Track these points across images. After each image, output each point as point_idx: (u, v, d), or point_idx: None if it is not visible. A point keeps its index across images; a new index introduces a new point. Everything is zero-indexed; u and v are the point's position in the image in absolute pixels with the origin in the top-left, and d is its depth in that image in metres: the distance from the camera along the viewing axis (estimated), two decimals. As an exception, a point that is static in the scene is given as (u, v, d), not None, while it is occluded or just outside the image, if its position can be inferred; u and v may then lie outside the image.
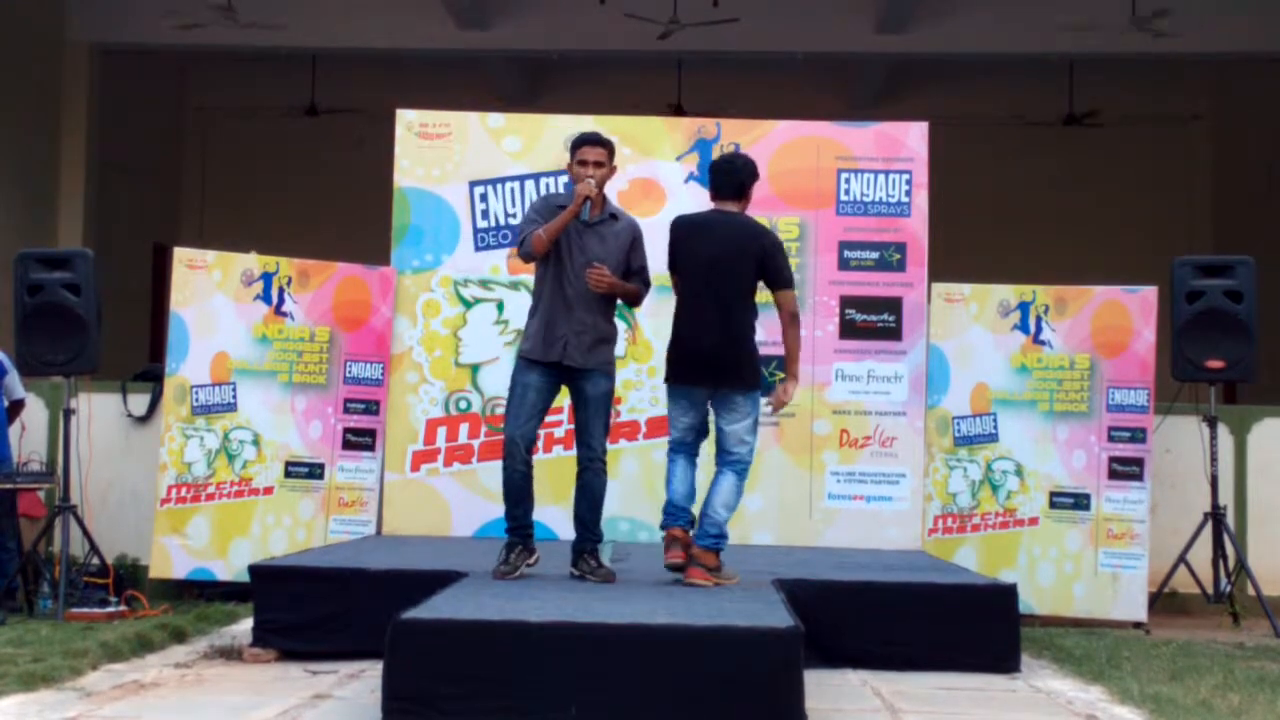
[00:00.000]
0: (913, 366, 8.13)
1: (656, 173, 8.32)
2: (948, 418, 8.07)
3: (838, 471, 8.08)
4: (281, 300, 8.09)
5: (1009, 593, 6.24)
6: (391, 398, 8.17)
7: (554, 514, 7.45)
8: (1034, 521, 7.96)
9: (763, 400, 6.32)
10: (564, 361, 6.14)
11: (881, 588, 6.30)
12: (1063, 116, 16.44)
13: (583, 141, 6.29)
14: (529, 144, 8.34)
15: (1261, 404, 9.05)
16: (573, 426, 6.44)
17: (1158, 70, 16.07)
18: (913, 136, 8.33)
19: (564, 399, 6.39)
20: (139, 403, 8.71)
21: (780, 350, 7.95)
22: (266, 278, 8.08)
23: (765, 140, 8.32)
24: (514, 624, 4.82)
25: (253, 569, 6.34)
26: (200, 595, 7.90)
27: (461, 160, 8.33)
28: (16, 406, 8.23)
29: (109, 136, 14.86)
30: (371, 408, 8.17)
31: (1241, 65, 15.75)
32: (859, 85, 16.62)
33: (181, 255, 8.08)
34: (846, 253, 8.22)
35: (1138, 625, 7.71)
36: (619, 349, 8.04)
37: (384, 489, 8.12)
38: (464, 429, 8.13)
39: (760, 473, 7.50)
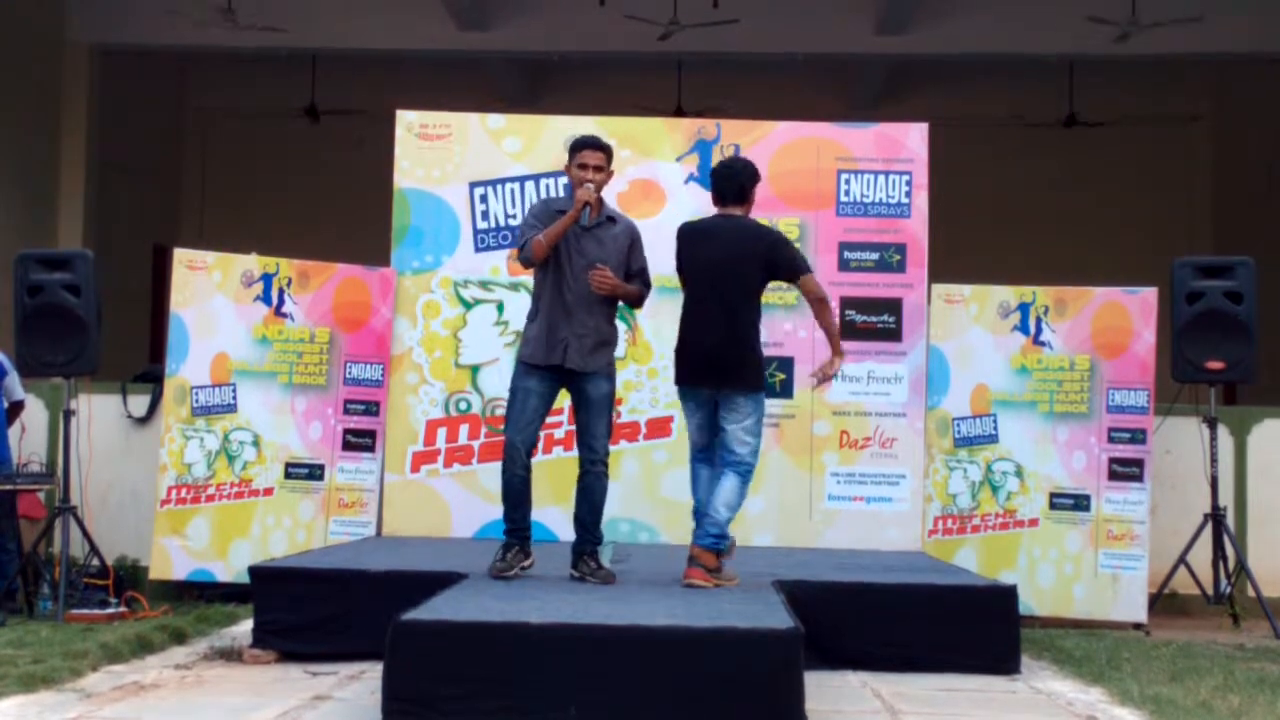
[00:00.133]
0: (913, 367, 8.13)
1: (656, 174, 8.33)
2: (948, 419, 8.07)
3: (838, 473, 8.08)
4: (281, 301, 8.09)
5: (1009, 594, 6.24)
6: (391, 399, 8.17)
7: (554, 515, 7.46)
8: (1034, 523, 7.96)
9: (809, 374, 6.31)
10: (566, 365, 6.15)
11: (881, 589, 6.30)
12: (1063, 117, 16.44)
13: (583, 145, 6.29)
14: (529, 145, 8.34)
15: (1261, 405, 9.05)
16: (573, 428, 6.46)
17: (1157, 71, 16.08)
18: (913, 137, 8.33)
19: (564, 400, 6.40)
20: (139, 404, 8.71)
21: (780, 351, 8.06)
22: (266, 279, 8.08)
23: (765, 141, 8.32)
24: (514, 625, 4.82)
25: (253, 570, 6.34)
26: (200, 596, 7.90)
27: (461, 161, 8.33)
28: (16, 408, 8.23)
29: (109, 136, 14.87)
30: (371, 409, 8.17)
31: (1241, 66, 15.75)
32: (859, 86, 16.62)
33: (181, 256, 8.08)
34: (846, 254, 8.22)
35: (1138, 626, 7.71)
36: (619, 350, 8.07)
37: (384, 490, 8.12)
38: (464, 430, 8.13)
39: (760, 474, 7.47)
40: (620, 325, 8.05)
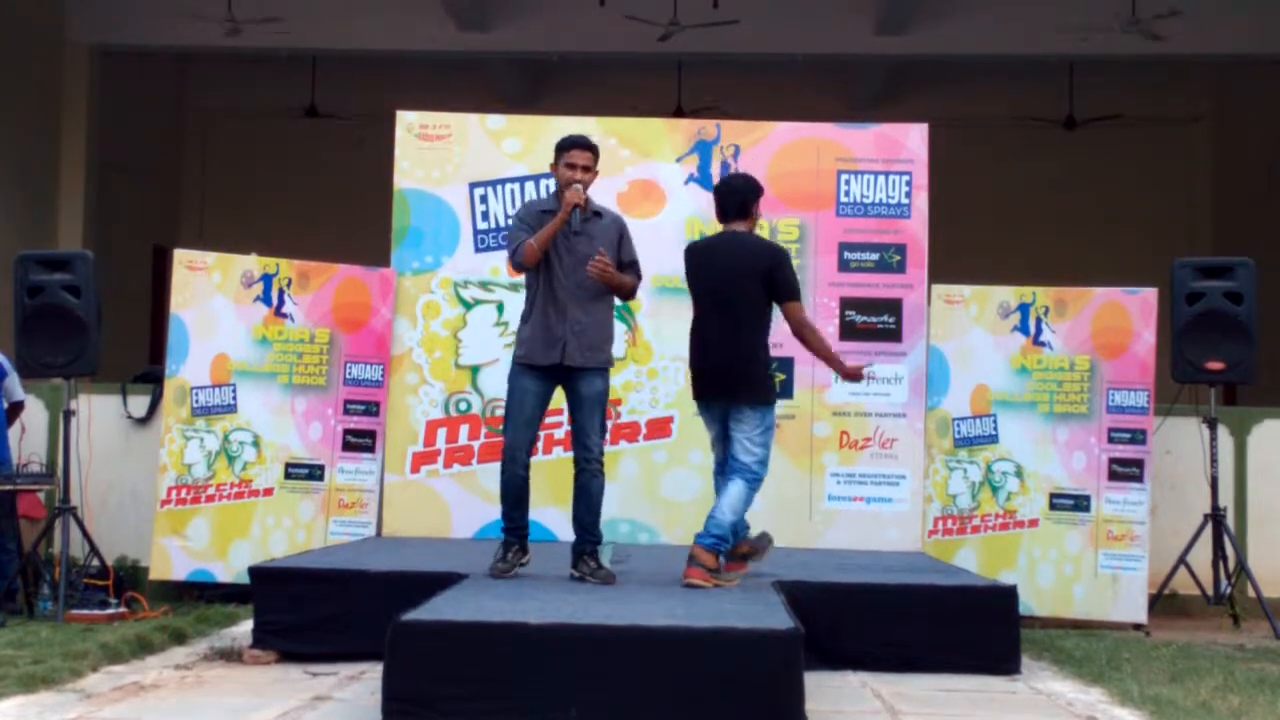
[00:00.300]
0: (913, 368, 8.13)
1: (656, 174, 8.33)
2: (948, 419, 8.07)
3: (838, 473, 8.08)
4: (281, 302, 8.09)
5: (1009, 594, 6.24)
6: (391, 399, 8.17)
7: (554, 515, 7.46)
8: (1034, 523, 7.96)
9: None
10: (565, 362, 6.16)
11: (881, 589, 6.30)
12: (1063, 118, 16.44)
13: (571, 144, 6.31)
14: (529, 145, 8.34)
15: (1261, 405, 9.05)
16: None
17: (1158, 72, 16.08)
18: (913, 138, 8.33)
19: (562, 399, 6.40)
20: (139, 404, 8.71)
21: (780, 352, 8.04)
22: (266, 279, 8.08)
23: (765, 142, 8.32)
24: (514, 626, 4.82)
25: (253, 570, 6.34)
26: (200, 597, 7.90)
27: (461, 162, 8.33)
28: (16, 408, 8.23)
29: (109, 137, 14.87)
30: (371, 409, 8.17)
31: (1242, 67, 15.76)
32: (859, 87, 16.62)
33: (181, 257, 8.08)
34: (846, 254, 8.22)
35: (1138, 627, 7.71)
36: (619, 350, 8.09)
37: (384, 490, 8.12)
38: (464, 430, 8.13)
39: (760, 474, 7.50)
40: (620, 325, 8.10)
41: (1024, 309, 8.11)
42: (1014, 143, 16.96)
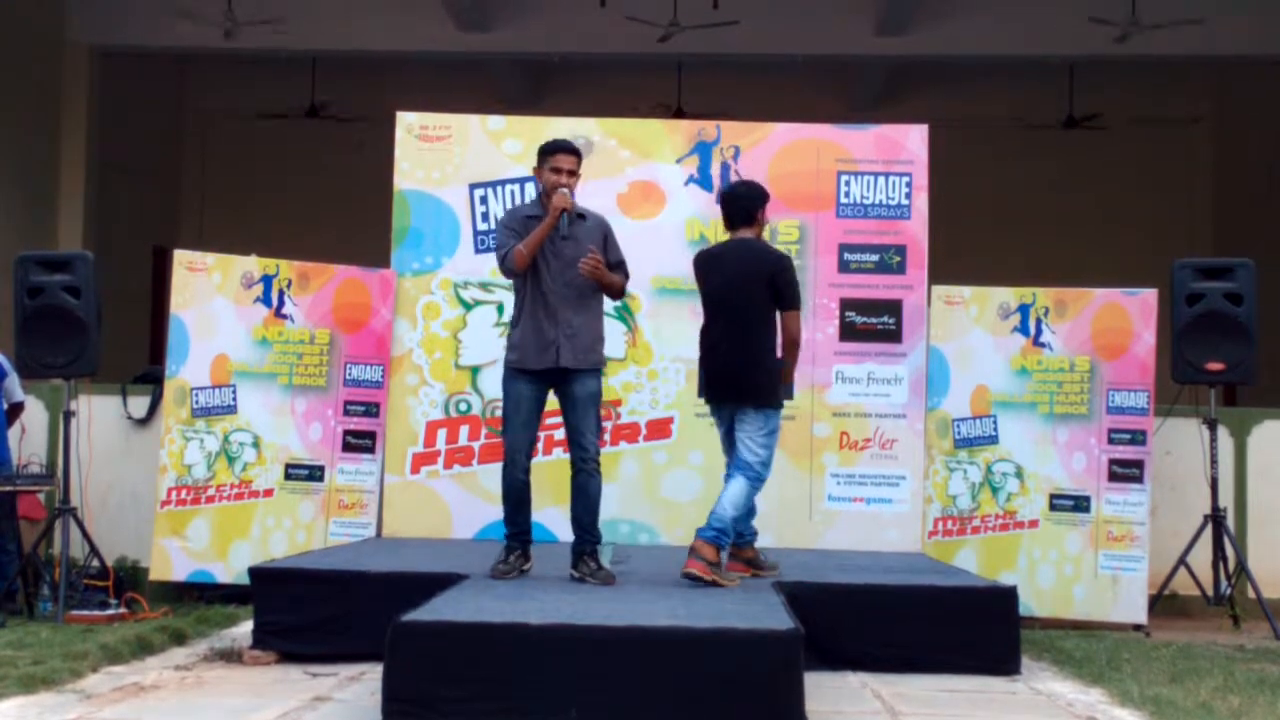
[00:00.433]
0: (913, 369, 8.13)
1: (656, 175, 8.32)
2: (948, 420, 8.07)
3: (838, 474, 8.08)
4: (281, 302, 8.09)
5: (1009, 595, 6.24)
6: (391, 400, 8.17)
7: (554, 515, 7.45)
8: (1034, 524, 7.96)
9: None
10: (560, 364, 6.18)
11: (881, 590, 6.30)
12: (1063, 118, 16.45)
13: (556, 149, 6.33)
14: (529, 146, 8.27)
15: (1261, 406, 9.05)
16: (571, 428, 6.47)
17: (1158, 72, 16.09)
18: (913, 139, 8.33)
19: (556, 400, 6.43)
20: (139, 405, 8.71)
21: (779, 352, 8.05)
22: (266, 280, 8.08)
23: (765, 143, 8.32)
24: (514, 626, 4.82)
25: (253, 571, 6.34)
26: (200, 597, 7.90)
27: (462, 163, 8.33)
28: (16, 409, 8.23)
29: (109, 137, 14.88)
30: (371, 410, 8.17)
31: (1242, 67, 15.76)
32: (859, 87, 16.63)
33: (181, 257, 8.08)
34: (846, 255, 8.21)
35: (1138, 627, 7.71)
36: (619, 351, 8.11)
37: (384, 491, 8.12)
38: (464, 431, 8.13)
39: (760, 475, 7.50)
40: (620, 326, 8.12)
41: (1024, 310, 8.11)
42: (1014, 143, 16.97)
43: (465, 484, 8.07)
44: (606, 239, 6.39)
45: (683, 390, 8.11)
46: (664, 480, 8.07)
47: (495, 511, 6.47)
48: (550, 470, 7.41)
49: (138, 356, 13.46)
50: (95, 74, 14.66)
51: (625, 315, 8.12)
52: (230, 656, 6.21)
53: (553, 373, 6.22)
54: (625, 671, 4.71)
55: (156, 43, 14.60)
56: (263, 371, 8.01)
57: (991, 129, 16.82)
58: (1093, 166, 17.00)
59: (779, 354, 6.43)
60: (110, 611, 7.20)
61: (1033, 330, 8.08)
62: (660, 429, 8.12)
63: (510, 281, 6.43)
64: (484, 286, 8.22)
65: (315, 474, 8.06)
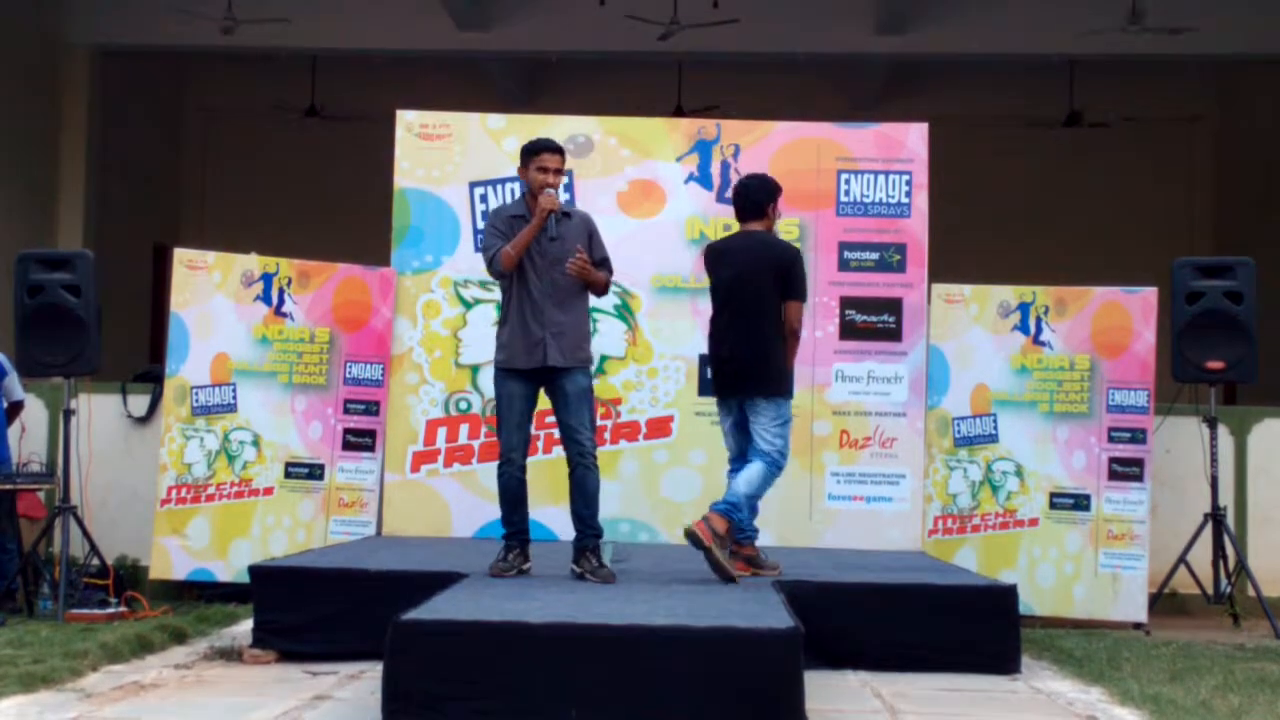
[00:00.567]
0: (913, 367, 8.13)
1: (656, 174, 8.33)
2: (948, 418, 8.07)
3: (838, 472, 8.08)
4: (281, 301, 8.09)
5: (1009, 593, 6.23)
6: (391, 398, 8.17)
7: (554, 514, 7.45)
8: (1034, 522, 7.96)
9: None
10: (548, 363, 6.19)
11: (882, 589, 6.30)
12: (1063, 117, 16.43)
13: (541, 148, 6.34)
14: (529, 145, 8.32)
15: (1261, 405, 9.05)
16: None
17: (1158, 71, 16.07)
18: (913, 137, 8.33)
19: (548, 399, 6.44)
20: (139, 404, 8.71)
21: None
22: (266, 278, 8.08)
23: (765, 141, 8.32)
24: (514, 625, 4.81)
25: (253, 570, 6.34)
26: (200, 596, 7.91)
27: (462, 161, 8.33)
28: (16, 408, 8.23)
29: (109, 136, 14.86)
30: (371, 408, 8.17)
31: (1242, 66, 15.75)
32: (859, 86, 16.61)
33: (181, 256, 8.08)
34: (846, 253, 8.21)
35: (1138, 626, 7.71)
36: (619, 350, 8.11)
37: (384, 490, 8.12)
38: (464, 430, 8.13)
39: (760, 474, 7.50)
40: (620, 325, 8.12)
41: (1024, 308, 8.11)
42: (1014, 142, 16.95)
43: (465, 482, 8.07)
44: (591, 236, 6.41)
45: (683, 389, 8.11)
46: (664, 479, 8.07)
47: (495, 510, 6.47)
48: (550, 469, 7.41)
49: (138, 355, 13.47)
50: (95, 74, 14.64)
51: (625, 314, 8.13)
52: (230, 655, 6.21)
53: (541, 371, 6.24)
54: (625, 670, 4.71)
55: (156, 42, 14.57)
56: (263, 370, 8.01)
57: (992, 128, 16.80)
58: (1093, 166, 16.99)
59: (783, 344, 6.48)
60: (110, 610, 7.20)
61: (1033, 329, 8.08)
62: (660, 428, 8.11)
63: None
64: (484, 285, 8.21)
65: (315, 472, 8.06)
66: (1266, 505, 8.57)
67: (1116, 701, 5.49)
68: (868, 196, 8.25)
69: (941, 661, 6.00)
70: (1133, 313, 8.01)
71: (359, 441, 8.15)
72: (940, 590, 6.31)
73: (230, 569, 7.77)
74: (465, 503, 8.03)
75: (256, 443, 7.96)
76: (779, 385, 6.45)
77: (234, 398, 7.96)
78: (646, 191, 8.30)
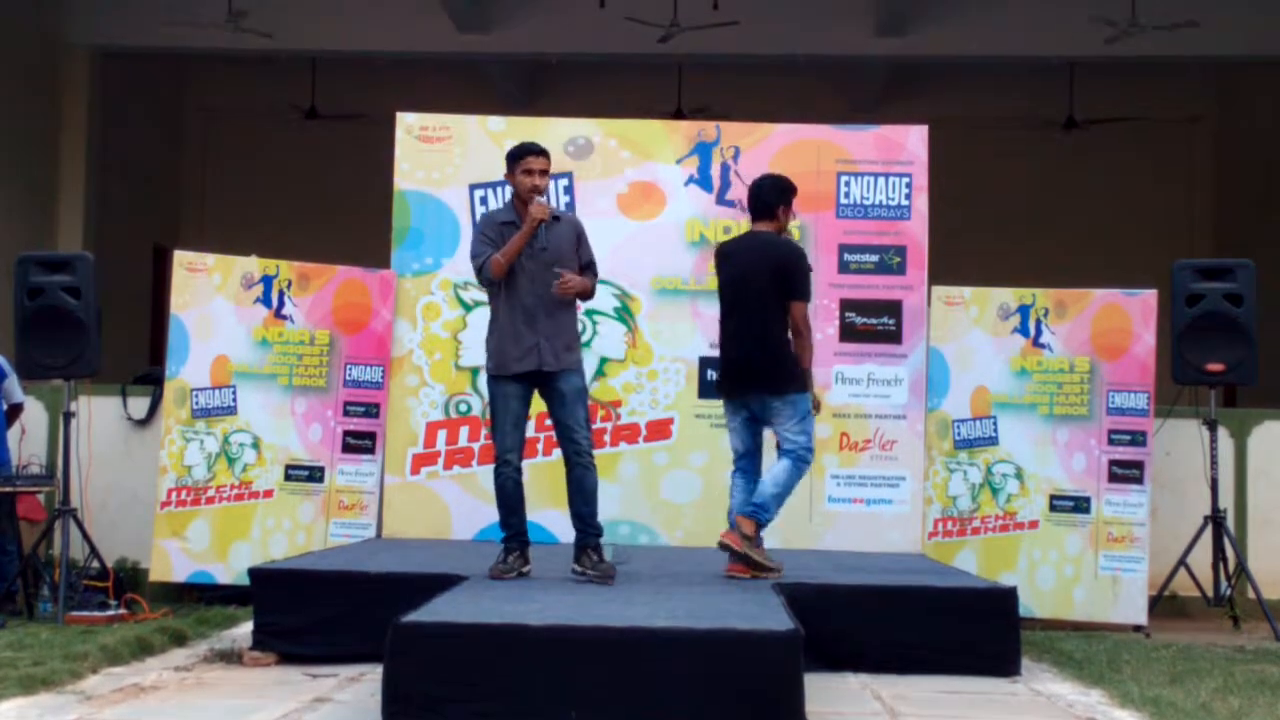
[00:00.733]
0: (913, 370, 8.13)
1: (656, 176, 8.32)
2: (948, 421, 8.07)
3: (838, 475, 8.08)
4: (281, 303, 8.09)
5: (1009, 596, 6.23)
6: (391, 401, 8.17)
7: (554, 517, 7.45)
8: (1034, 525, 7.96)
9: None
10: (542, 367, 6.20)
11: (881, 591, 6.30)
12: (1063, 119, 16.43)
13: (526, 152, 6.33)
14: (529, 147, 8.32)
15: (1261, 407, 9.05)
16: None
17: (1158, 72, 16.07)
18: (913, 139, 8.33)
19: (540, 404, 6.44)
20: (139, 406, 8.71)
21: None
22: (266, 281, 8.08)
23: (765, 143, 8.32)
24: (514, 627, 4.82)
25: (253, 572, 6.34)
26: (200, 598, 7.90)
27: (461, 163, 8.33)
28: (16, 410, 8.22)
29: (109, 137, 14.86)
30: (371, 411, 8.17)
31: (1242, 66, 15.74)
32: (859, 88, 16.61)
33: (181, 258, 8.08)
34: (846, 256, 8.21)
35: (1138, 628, 7.71)
36: (619, 352, 8.11)
37: (384, 492, 8.12)
38: (464, 432, 8.13)
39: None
40: (620, 327, 8.13)
41: (1024, 310, 8.11)
42: (1014, 143, 16.94)
43: (465, 485, 8.07)
44: (580, 240, 6.42)
45: (683, 391, 8.11)
46: (664, 481, 8.07)
47: (495, 512, 6.46)
48: (549, 471, 7.41)
49: (138, 357, 13.47)
50: (95, 74, 14.63)
51: (625, 316, 8.13)
52: (230, 657, 6.21)
53: (535, 375, 6.25)
54: (625, 672, 4.71)
55: (156, 43, 14.56)
56: (263, 372, 8.01)
57: (992, 129, 16.79)
58: (1093, 166, 16.98)
59: (791, 344, 6.50)
60: (110, 612, 7.20)
61: (1033, 331, 8.09)
62: (660, 430, 8.12)
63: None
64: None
65: (315, 475, 8.06)
66: (1266, 507, 8.57)
67: (1116, 704, 5.49)
68: (868, 199, 8.25)
69: (941, 664, 6.00)
70: (1132, 315, 8.01)
71: (359, 444, 8.15)
72: (940, 592, 6.31)
73: (230, 571, 7.77)
74: (465, 505, 8.03)
75: (256, 445, 7.96)
76: (791, 382, 6.48)
77: (234, 400, 7.96)
78: (646, 193, 8.30)
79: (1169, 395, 8.29)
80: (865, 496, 8.05)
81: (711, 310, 7.92)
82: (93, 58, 14.61)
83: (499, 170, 8.25)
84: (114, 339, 8.46)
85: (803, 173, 8.19)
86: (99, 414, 8.35)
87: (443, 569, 6.25)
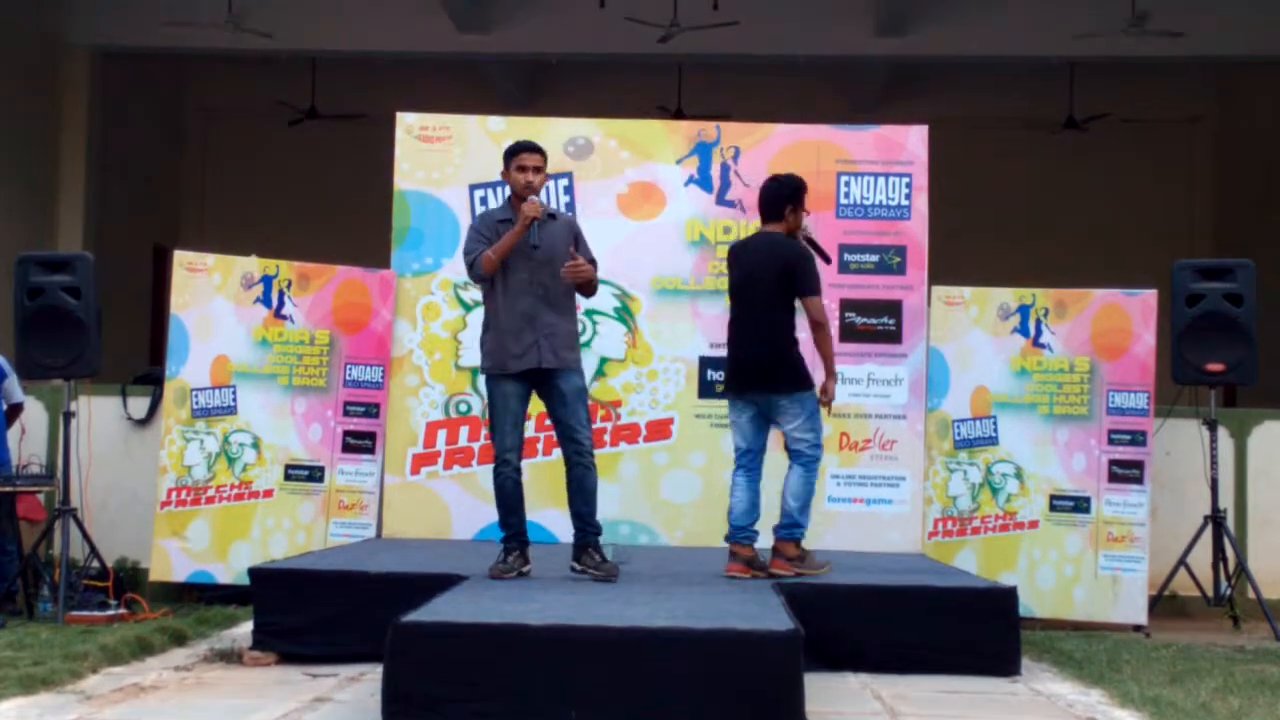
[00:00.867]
0: (913, 369, 8.13)
1: (656, 176, 8.32)
2: (948, 421, 8.07)
3: (838, 474, 8.08)
4: (281, 303, 8.09)
5: (1009, 595, 6.23)
6: (391, 401, 8.17)
7: (554, 517, 7.45)
8: (1034, 524, 7.96)
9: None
10: (542, 365, 6.19)
11: (881, 591, 6.31)
12: (1063, 119, 16.43)
13: (520, 149, 6.35)
14: (529, 147, 8.32)
15: (1261, 407, 9.05)
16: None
17: (1158, 72, 16.07)
18: (912, 139, 8.33)
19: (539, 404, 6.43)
20: (139, 406, 8.71)
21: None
22: (266, 280, 8.08)
23: (765, 144, 8.32)
24: (514, 627, 4.82)
25: (253, 572, 6.34)
26: (200, 598, 7.90)
27: (461, 163, 8.33)
28: (16, 410, 8.22)
29: (109, 137, 14.86)
30: (371, 411, 8.17)
31: (1242, 67, 15.75)
32: (859, 88, 16.61)
33: (181, 258, 8.08)
34: (846, 256, 8.21)
35: (1138, 628, 7.71)
36: (619, 352, 8.11)
37: (384, 492, 8.12)
38: (464, 432, 8.13)
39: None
40: (620, 327, 8.13)
41: (1024, 310, 8.11)
42: (1014, 143, 16.94)
43: (465, 485, 8.07)
44: (577, 239, 6.42)
45: (682, 391, 8.11)
46: (664, 481, 8.07)
47: (495, 512, 6.46)
48: (550, 471, 7.41)
49: (138, 357, 13.47)
50: (95, 74, 14.63)
51: (625, 316, 8.13)
52: (230, 657, 6.21)
53: (534, 374, 6.24)
54: (625, 672, 4.71)
55: (156, 43, 14.56)
56: (263, 372, 8.01)
57: (992, 129, 16.80)
58: (1093, 166, 16.98)
59: (799, 343, 6.51)
60: (110, 612, 7.20)
61: (1033, 331, 8.09)
62: (660, 430, 8.12)
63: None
64: (484, 287, 8.21)
65: (315, 475, 8.06)
66: (1266, 507, 8.57)
67: (1116, 703, 5.49)
68: (867, 199, 8.25)
69: (942, 663, 6.00)
70: (1132, 315, 8.01)
71: (359, 444, 8.15)
72: (940, 592, 6.31)
73: (230, 571, 7.77)
74: (465, 505, 8.03)
75: (256, 445, 7.96)
76: (795, 381, 6.51)
77: (234, 400, 7.96)
78: (646, 194, 8.30)
79: (1169, 395, 8.29)
80: (865, 496, 8.06)
81: (712, 310, 7.95)
82: (93, 58, 14.61)
83: (499, 170, 8.30)
84: (114, 339, 8.46)
85: (803, 173, 8.11)
86: (99, 414, 8.35)
87: (443, 569, 6.25)
